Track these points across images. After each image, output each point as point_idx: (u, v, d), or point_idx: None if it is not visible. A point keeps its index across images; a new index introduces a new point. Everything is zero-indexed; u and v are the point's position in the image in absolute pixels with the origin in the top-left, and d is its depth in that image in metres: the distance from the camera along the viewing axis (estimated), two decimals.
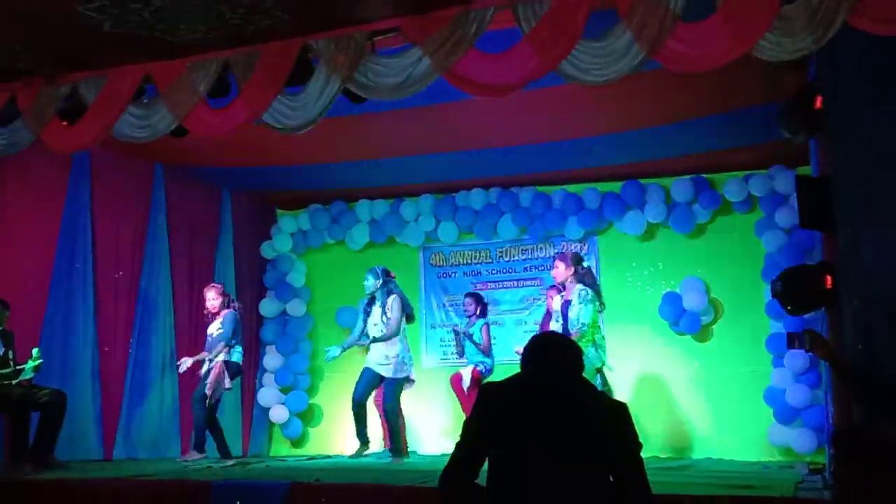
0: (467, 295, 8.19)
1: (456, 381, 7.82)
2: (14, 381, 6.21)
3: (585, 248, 8.73)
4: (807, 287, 4.68)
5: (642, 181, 8.40)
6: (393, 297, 7.04)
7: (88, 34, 5.03)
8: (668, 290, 8.25)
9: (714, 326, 8.24)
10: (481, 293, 8.31)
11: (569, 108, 6.81)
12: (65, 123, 5.58)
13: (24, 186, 7.02)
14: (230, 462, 6.84)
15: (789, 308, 4.90)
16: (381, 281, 7.05)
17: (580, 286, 6.46)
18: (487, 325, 7.90)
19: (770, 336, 7.75)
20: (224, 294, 7.43)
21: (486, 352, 7.73)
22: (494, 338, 8.12)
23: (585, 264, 6.85)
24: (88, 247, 7.46)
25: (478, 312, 7.90)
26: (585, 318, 6.33)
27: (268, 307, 9.48)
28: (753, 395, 7.77)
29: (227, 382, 7.18)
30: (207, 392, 7.00)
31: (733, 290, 8.19)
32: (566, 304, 6.52)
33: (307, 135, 5.36)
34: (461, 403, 7.78)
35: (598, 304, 6.53)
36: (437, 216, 9.21)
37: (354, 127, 6.89)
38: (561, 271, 6.57)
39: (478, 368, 7.67)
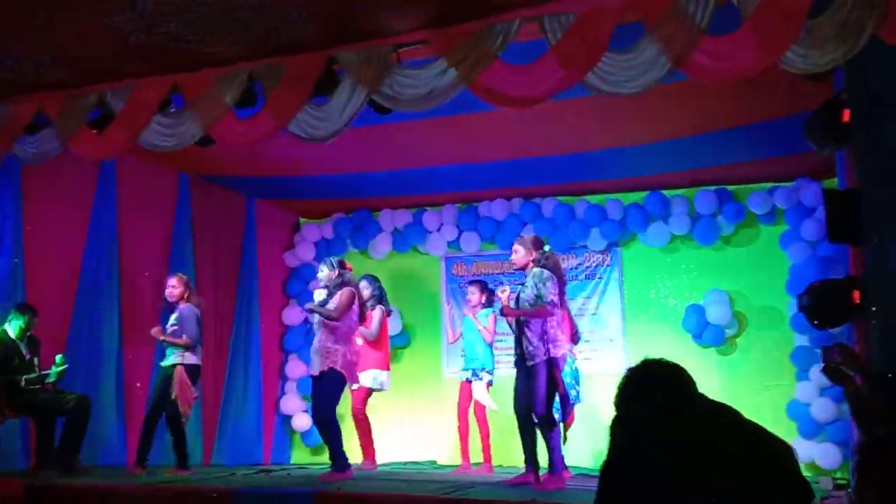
0: (472, 283, 7.67)
1: (480, 410, 7.23)
2: (39, 386, 6.29)
3: (609, 259, 8.71)
4: (834, 301, 4.64)
5: (666, 193, 8.38)
6: (345, 289, 6.32)
7: (116, 46, 5.08)
8: (692, 302, 8.20)
9: (738, 339, 8.18)
10: (486, 281, 7.88)
11: (592, 120, 6.80)
12: (93, 132, 5.65)
13: (52, 194, 7.08)
14: (254, 469, 6.85)
15: (816, 322, 4.86)
16: (335, 272, 6.45)
17: (537, 269, 5.80)
18: (496, 315, 7.20)
19: (795, 349, 7.69)
20: (187, 286, 6.84)
21: (490, 340, 7.27)
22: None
23: (546, 248, 6.10)
24: (114, 254, 7.54)
25: (483, 301, 7.36)
26: (549, 296, 5.62)
27: (290, 315, 9.52)
28: (777, 409, 7.68)
29: (193, 391, 6.69)
30: (181, 410, 6.54)
31: (757, 303, 8.14)
32: (520, 287, 5.93)
33: (331, 144, 5.38)
34: (481, 432, 7.27)
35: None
36: (459, 226, 9.23)
37: (378, 137, 6.91)
38: (520, 256, 5.91)
39: (488, 383, 7.27)
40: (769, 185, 8.10)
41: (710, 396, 7.47)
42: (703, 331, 8.04)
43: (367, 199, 9.44)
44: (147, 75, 5.44)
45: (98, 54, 5.20)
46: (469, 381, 7.29)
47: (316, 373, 6.06)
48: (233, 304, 8.85)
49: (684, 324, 8.15)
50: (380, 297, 7.49)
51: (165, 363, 6.64)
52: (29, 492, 5.32)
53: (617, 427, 2.49)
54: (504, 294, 5.99)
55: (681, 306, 8.28)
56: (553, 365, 5.63)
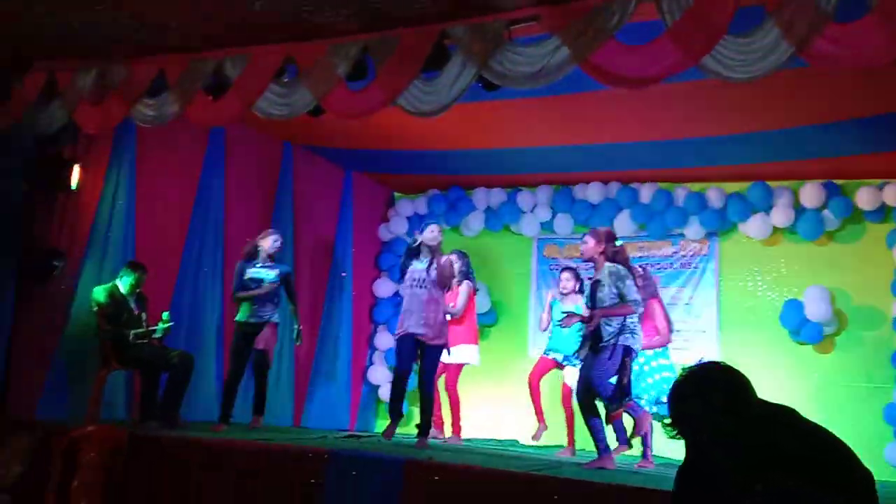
0: (565, 269, 7.53)
1: (570, 395, 7.24)
2: (145, 342, 6.55)
3: (706, 249, 8.56)
4: None
5: (770, 183, 8.17)
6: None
7: (238, 13, 5.23)
8: (791, 297, 8.00)
9: (837, 338, 7.96)
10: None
11: (699, 105, 6.67)
12: (209, 98, 5.82)
13: (164, 157, 7.34)
14: (344, 434, 7.01)
15: None
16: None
17: (610, 264, 5.77)
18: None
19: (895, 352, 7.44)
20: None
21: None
22: None
23: (619, 242, 6.07)
24: (220, 217, 7.79)
25: (577, 289, 7.27)
26: (633, 294, 5.65)
27: (381, 288, 9.68)
28: (873, 412, 7.48)
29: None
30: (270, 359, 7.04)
31: (859, 302, 7.90)
32: (596, 284, 5.80)
33: (431, 121, 5.41)
34: (567, 422, 7.36)
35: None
36: (553, 207, 9.20)
37: (479, 114, 6.92)
38: (590, 247, 5.85)
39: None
40: (880, 181, 7.82)
41: (805, 395, 7.31)
42: (801, 327, 7.84)
43: (462, 177, 9.49)
44: (264, 44, 5.57)
45: (220, 21, 5.35)
46: (554, 361, 7.32)
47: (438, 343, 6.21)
48: (327, 273, 9.04)
49: (782, 319, 7.97)
50: (467, 273, 7.55)
51: (254, 319, 6.72)
52: (133, 441, 5.56)
53: (678, 426, 2.49)
54: (571, 319, 6.28)
55: (779, 301, 8.09)
56: (625, 353, 5.61)
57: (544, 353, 7.42)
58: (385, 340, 9.47)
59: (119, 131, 6.81)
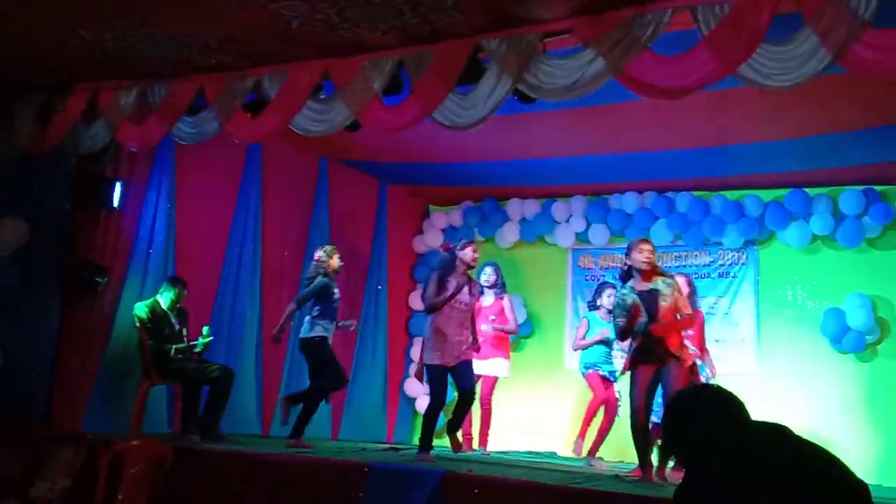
0: (607, 285, 7.45)
1: (614, 408, 7.09)
2: (186, 356, 6.64)
3: (744, 258, 8.48)
4: None
5: (808, 191, 8.08)
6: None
7: (275, 31, 5.30)
8: (832, 305, 7.89)
9: (879, 346, 7.85)
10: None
11: (735, 113, 6.63)
12: (248, 115, 5.91)
13: (203, 173, 7.46)
14: (383, 446, 7.03)
15: None
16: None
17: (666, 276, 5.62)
18: None
19: None
20: None
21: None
22: None
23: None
24: (258, 233, 7.89)
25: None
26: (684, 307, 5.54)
27: (417, 300, 9.70)
28: None
29: None
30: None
31: None
32: (656, 294, 5.50)
33: (465, 133, 5.42)
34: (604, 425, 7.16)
35: None
36: (588, 218, 9.18)
37: (513, 126, 6.94)
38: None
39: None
40: None
41: (847, 405, 7.21)
42: (843, 336, 7.74)
43: (496, 188, 9.50)
44: (301, 60, 5.64)
45: (259, 38, 5.42)
46: (605, 378, 7.19)
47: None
48: (363, 285, 9.10)
49: (822, 328, 7.87)
50: (504, 285, 7.58)
51: (315, 334, 6.60)
52: (176, 454, 5.62)
53: (676, 445, 2.54)
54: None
55: (819, 310, 7.99)
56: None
57: (592, 369, 7.19)
58: None
59: (159, 149, 6.94)
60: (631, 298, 5.52)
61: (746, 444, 2.37)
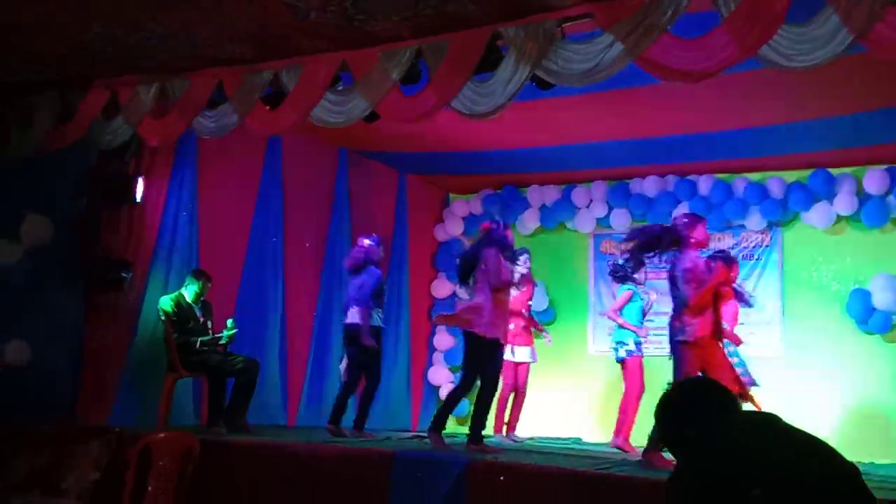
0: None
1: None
2: (210, 348, 6.69)
3: (768, 239, 8.42)
4: None
5: (832, 171, 8.00)
6: None
7: (291, 24, 5.30)
8: (857, 286, 7.82)
9: None
10: None
11: (756, 94, 6.55)
12: (267, 108, 5.92)
13: (224, 167, 7.49)
14: (408, 434, 7.06)
15: None
16: None
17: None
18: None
19: None
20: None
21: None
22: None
23: None
24: (280, 225, 7.93)
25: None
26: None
27: (438, 288, 9.72)
28: None
29: None
30: None
31: None
32: None
33: (484, 121, 5.41)
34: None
35: None
36: (609, 203, 9.13)
37: (532, 113, 6.90)
38: None
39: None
40: None
41: (874, 386, 7.18)
42: (869, 317, 7.67)
43: (515, 175, 9.48)
44: (318, 52, 5.64)
45: (275, 31, 5.42)
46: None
47: None
48: (385, 275, 9.11)
49: (848, 309, 7.81)
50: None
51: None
52: (203, 447, 5.68)
53: (667, 436, 2.53)
54: None
55: (844, 291, 7.92)
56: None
57: (637, 353, 6.91)
58: (444, 341, 9.51)
59: (180, 143, 6.97)
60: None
61: (739, 438, 2.35)
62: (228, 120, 5.97)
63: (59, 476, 5.60)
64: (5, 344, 6.42)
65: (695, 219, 5.60)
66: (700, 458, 2.35)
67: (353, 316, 6.65)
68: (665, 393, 2.57)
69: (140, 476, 5.47)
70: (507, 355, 6.73)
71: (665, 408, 2.54)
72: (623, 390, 6.90)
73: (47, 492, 5.53)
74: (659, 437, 2.54)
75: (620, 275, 6.88)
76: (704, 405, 2.47)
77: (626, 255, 6.11)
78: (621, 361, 6.93)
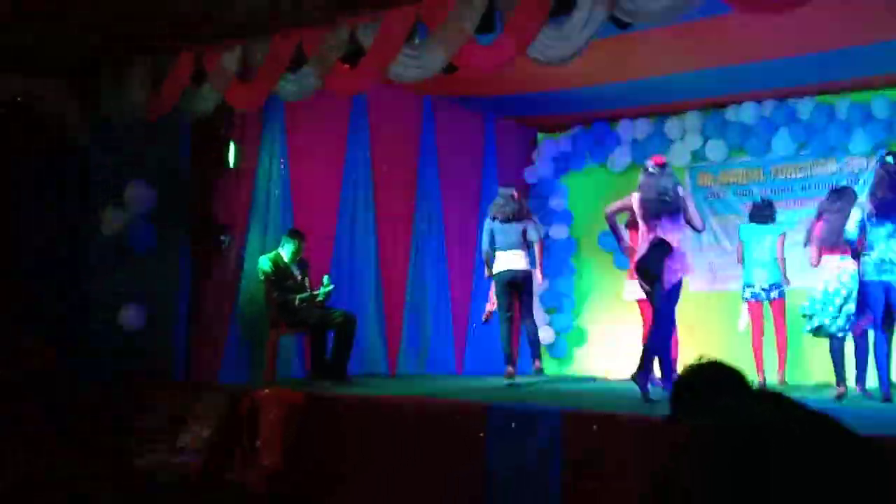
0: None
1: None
2: (310, 305, 6.90)
3: (874, 164, 7.97)
4: None
5: None
6: None
7: None
8: None
9: None
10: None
11: (855, 9, 6.16)
12: (346, 67, 5.95)
13: (311, 126, 7.59)
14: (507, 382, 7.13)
15: None
16: None
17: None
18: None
19: None
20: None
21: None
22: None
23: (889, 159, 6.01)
24: (369, 179, 8.02)
25: None
26: None
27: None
28: None
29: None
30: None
31: None
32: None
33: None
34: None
35: None
36: (704, 133, 8.83)
37: (616, 48, 6.70)
38: None
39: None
40: None
41: None
42: None
43: (606, 111, 9.24)
44: (393, 7, 5.60)
45: None
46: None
47: None
48: (476, 221, 9.12)
49: None
50: None
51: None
52: (308, 400, 5.91)
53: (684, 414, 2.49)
54: None
55: None
56: None
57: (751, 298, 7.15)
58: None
59: (268, 107, 7.08)
60: None
61: (754, 417, 2.32)
62: (310, 81, 6.03)
63: (176, 433, 5.93)
64: (123, 309, 6.79)
65: None
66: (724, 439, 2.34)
67: (520, 262, 6.94)
68: (681, 375, 2.57)
69: (250, 431, 5.76)
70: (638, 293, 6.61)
71: (681, 389, 2.54)
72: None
73: (167, 449, 5.88)
74: (678, 416, 2.55)
75: (767, 213, 7.23)
76: (721, 387, 2.46)
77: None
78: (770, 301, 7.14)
